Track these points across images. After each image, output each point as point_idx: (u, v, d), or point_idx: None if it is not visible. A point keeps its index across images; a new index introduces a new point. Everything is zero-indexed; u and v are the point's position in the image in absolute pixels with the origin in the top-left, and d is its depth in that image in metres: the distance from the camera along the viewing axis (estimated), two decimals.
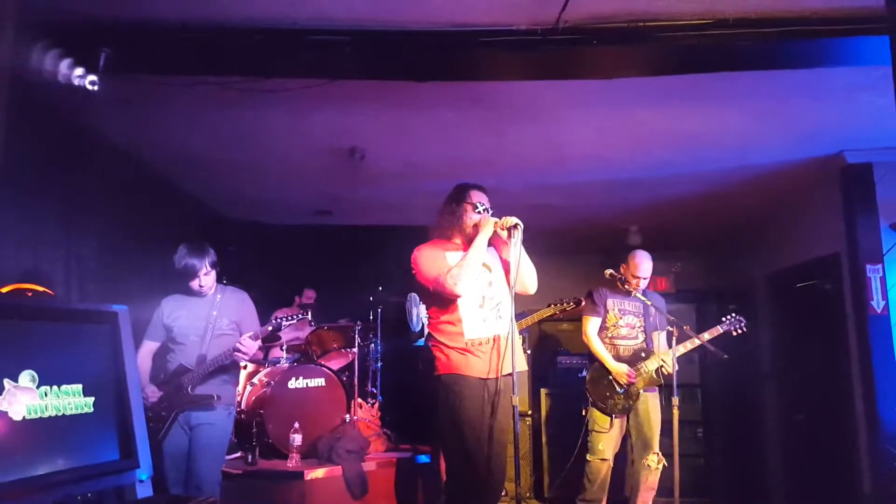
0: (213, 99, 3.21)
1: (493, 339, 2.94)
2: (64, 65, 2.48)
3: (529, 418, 5.39)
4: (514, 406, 2.74)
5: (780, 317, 5.26)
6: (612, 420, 3.94)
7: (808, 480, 4.70)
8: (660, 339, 4.15)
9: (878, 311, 3.86)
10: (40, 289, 2.56)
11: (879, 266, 3.89)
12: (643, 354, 4.01)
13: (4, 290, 2.42)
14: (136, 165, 4.19)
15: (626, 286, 4.00)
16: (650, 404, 3.97)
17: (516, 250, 2.80)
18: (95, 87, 2.59)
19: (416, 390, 5.10)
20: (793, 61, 2.80)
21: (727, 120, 3.55)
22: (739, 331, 3.80)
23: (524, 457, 5.25)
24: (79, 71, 2.55)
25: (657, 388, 4.01)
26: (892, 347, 3.82)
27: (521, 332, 4.29)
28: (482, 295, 2.98)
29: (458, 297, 2.91)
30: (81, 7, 2.52)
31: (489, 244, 3.11)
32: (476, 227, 2.97)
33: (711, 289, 6.71)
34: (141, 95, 3.14)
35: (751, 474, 5.76)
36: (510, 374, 2.82)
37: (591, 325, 4.09)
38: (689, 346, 3.84)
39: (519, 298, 2.89)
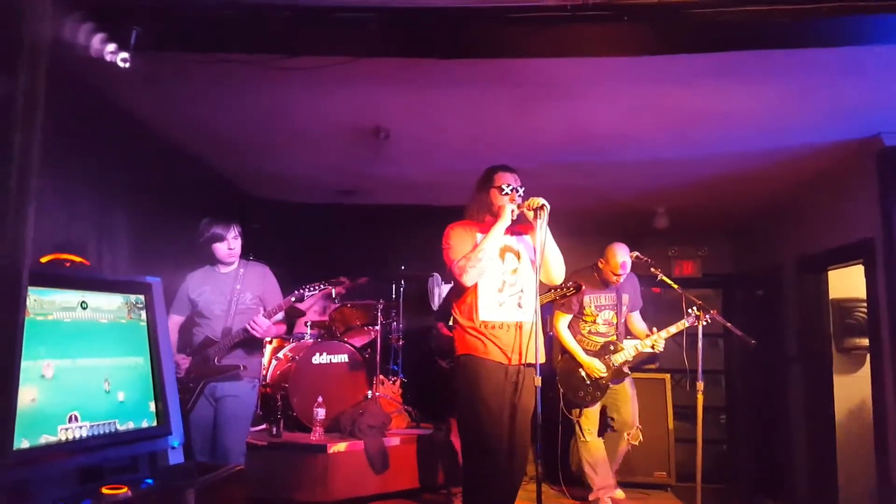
0: (239, 77, 3.22)
1: (516, 326, 2.93)
2: (97, 39, 2.49)
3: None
4: (536, 387, 2.73)
5: (808, 302, 5.15)
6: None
7: (834, 469, 4.63)
8: (634, 319, 4.34)
9: None
10: (78, 259, 2.62)
11: None
12: (612, 348, 4.17)
13: (43, 259, 2.48)
14: (165, 142, 4.24)
15: (605, 280, 4.17)
16: (624, 387, 4.23)
17: (542, 231, 2.78)
18: (127, 65, 2.60)
19: (436, 369, 5.15)
20: (830, 39, 2.70)
21: (760, 99, 3.46)
22: (703, 323, 3.85)
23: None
24: (111, 47, 2.56)
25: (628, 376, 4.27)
26: None
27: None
28: (503, 279, 2.97)
29: (466, 286, 2.91)
30: None
31: (521, 233, 3.09)
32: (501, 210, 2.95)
33: (739, 273, 6.61)
34: (168, 73, 3.16)
35: (774, 461, 5.70)
36: (531, 365, 2.82)
37: (563, 320, 4.24)
38: (672, 330, 3.99)
39: None
